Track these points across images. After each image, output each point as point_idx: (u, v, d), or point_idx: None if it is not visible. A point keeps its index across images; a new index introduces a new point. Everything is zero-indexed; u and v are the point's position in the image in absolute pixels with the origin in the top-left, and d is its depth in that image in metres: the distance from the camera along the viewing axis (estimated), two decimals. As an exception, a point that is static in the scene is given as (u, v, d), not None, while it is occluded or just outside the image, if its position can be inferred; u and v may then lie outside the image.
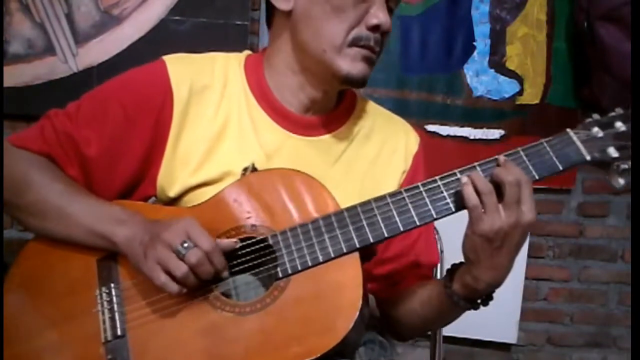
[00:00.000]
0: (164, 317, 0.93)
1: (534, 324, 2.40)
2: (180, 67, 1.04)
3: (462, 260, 0.98)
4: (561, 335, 2.43)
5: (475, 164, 0.95)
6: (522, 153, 0.95)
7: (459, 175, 0.95)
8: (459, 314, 1.04)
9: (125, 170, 1.04)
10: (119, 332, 0.94)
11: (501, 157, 0.94)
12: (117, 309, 0.95)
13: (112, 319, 0.94)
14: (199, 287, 0.92)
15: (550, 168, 0.94)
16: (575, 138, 0.95)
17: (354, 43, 1.01)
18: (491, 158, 0.95)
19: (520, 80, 2.26)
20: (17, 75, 1.98)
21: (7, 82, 1.95)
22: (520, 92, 2.26)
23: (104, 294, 0.96)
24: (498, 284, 0.95)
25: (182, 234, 0.90)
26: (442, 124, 2.22)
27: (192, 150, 1.03)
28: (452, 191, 0.94)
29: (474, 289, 0.96)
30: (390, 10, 1.04)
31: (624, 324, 2.41)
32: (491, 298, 0.99)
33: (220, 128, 1.04)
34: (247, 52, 1.14)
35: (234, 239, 0.95)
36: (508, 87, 2.26)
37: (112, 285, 0.97)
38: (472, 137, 2.26)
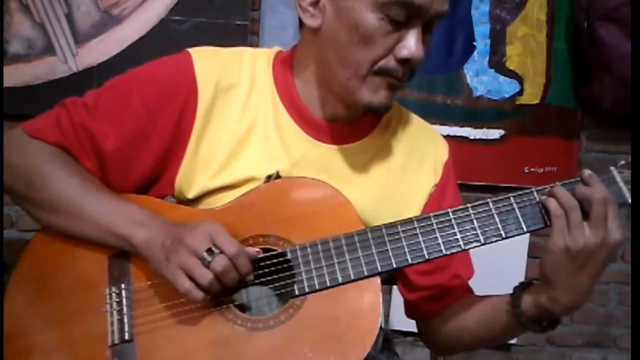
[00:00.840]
0: (173, 325, 0.91)
1: (534, 324, 2.40)
2: (207, 63, 0.99)
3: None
4: (561, 335, 2.42)
5: (533, 188, 0.92)
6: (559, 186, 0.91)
7: (491, 206, 0.92)
8: (520, 334, 0.99)
9: (142, 168, 1.00)
10: (126, 337, 0.91)
11: (585, 173, 0.90)
12: (126, 312, 0.92)
13: (121, 321, 0.92)
14: (222, 294, 0.89)
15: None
16: (618, 178, 0.92)
17: (379, 73, 0.94)
18: (547, 185, 0.91)
19: (520, 80, 2.26)
20: (16, 75, 1.97)
21: (7, 82, 1.94)
22: (520, 92, 2.26)
23: (113, 294, 0.93)
24: (576, 308, 0.90)
25: (206, 239, 0.86)
26: (442, 124, 2.22)
27: (215, 153, 0.98)
28: (482, 222, 0.91)
29: (548, 311, 0.91)
30: (429, 30, 0.97)
31: (624, 324, 2.41)
32: (559, 322, 0.95)
33: (246, 131, 0.99)
34: (277, 48, 1.08)
35: (256, 248, 0.91)
36: (508, 87, 2.26)
37: (123, 285, 0.94)
38: (472, 137, 2.26)
